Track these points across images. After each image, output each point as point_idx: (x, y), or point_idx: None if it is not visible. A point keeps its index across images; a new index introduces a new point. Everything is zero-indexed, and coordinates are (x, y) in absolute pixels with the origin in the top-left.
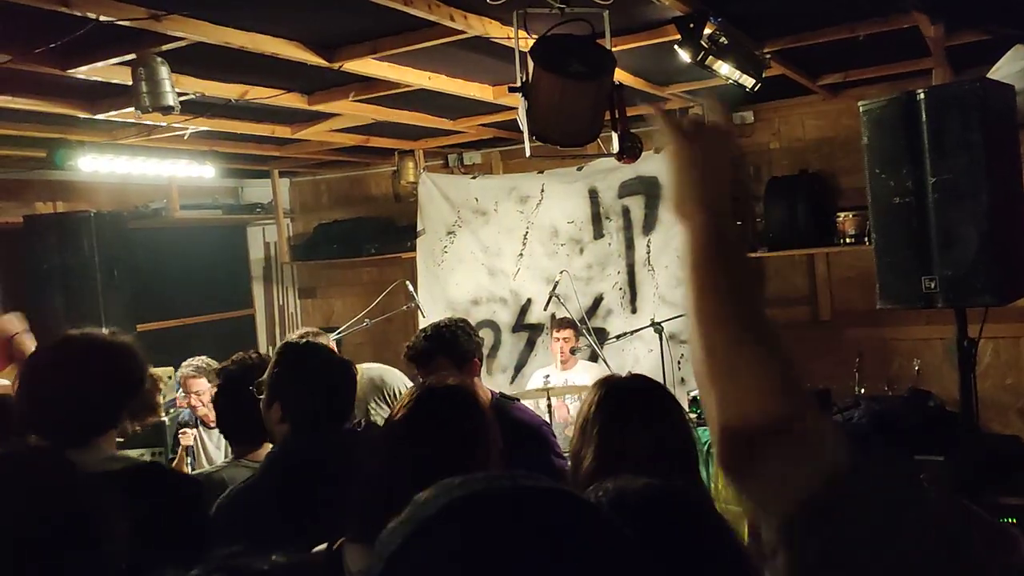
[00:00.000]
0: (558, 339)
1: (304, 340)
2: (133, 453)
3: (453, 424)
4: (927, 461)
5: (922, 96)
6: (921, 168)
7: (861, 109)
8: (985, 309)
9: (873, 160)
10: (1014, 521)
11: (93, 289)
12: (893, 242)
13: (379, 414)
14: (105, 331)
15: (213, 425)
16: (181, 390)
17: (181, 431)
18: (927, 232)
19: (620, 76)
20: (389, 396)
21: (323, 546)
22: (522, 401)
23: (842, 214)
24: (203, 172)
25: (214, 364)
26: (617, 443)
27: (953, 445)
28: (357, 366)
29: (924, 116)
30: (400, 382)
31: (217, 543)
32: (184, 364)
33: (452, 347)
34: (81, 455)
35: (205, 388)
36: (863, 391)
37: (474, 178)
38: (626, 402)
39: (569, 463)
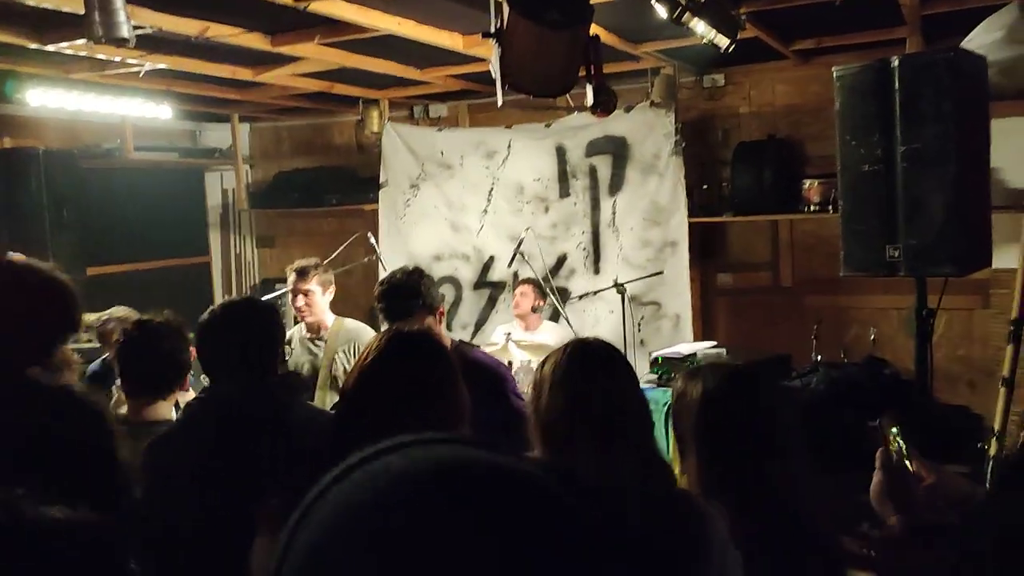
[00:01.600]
0: (517, 294)
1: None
2: None
3: (424, 367)
4: (879, 428)
5: (896, 64)
6: (891, 136)
7: (835, 75)
8: (945, 280)
9: (844, 127)
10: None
11: (41, 228)
12: (860, 210)
13: (342, 364)
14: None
15: None
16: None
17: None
18: (894, 200)
19: (593, 30)
20: (357, 352)
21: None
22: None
23: (808, 181)
24: (159, 113)
25: (135, 316)
26: (581, 398)
27: (906, 412)
28: (339, 318)
29: (897, 84)
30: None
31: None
32: (104, 314)
33: (424, 296)
34: None
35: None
36: (820, 357)
37: (440, 131)
38: (592, 361)
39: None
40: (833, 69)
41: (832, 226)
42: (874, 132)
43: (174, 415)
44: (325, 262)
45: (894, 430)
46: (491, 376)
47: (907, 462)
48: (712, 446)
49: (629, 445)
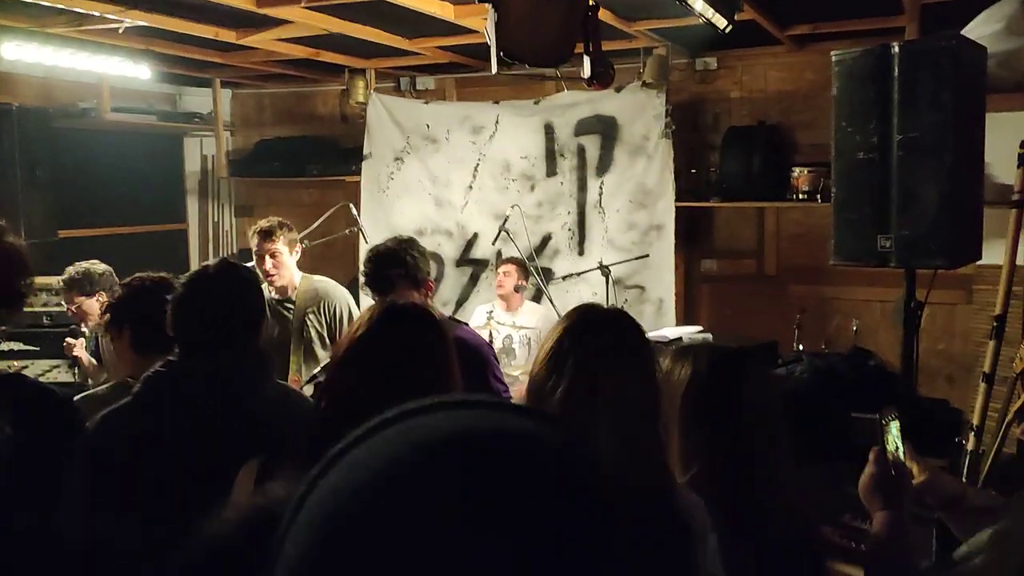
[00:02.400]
0: (499, 273)
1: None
2: (45, 365)
3: (415, 337)
4: (863, 418)
5: (896, 50)
6: (888, 124)
7: (833, 59)
8: (934, 272)
9: (840, 113)
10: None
11: (12, 188)
12: (853, 198)
13: (313, 326)
14: None
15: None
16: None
17: (66, 341)
18: (888, 190)
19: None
20: (327, 310)
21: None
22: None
23: (797, 169)
24: (138, 73)
25: (99, 268)
26: (590, 378)
27: (889, 403)
28: (305, 276)
29: (896, 71)
30: (343, 299)
31: (90, 466)
32: (65, 272)
33: (411, 268)
34: None
35: (83, 301)
36: (802, 347)
37: (427, 103)
38: (603, 335)
39: (514, 389)
40: (832, 53)
41: (819, 215)
42: (871, 119)
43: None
44: (303, 233)
45: (894, 426)
46: (474, 357)
47: (902, 458)
48: (698, 430)
49: (627, 435)
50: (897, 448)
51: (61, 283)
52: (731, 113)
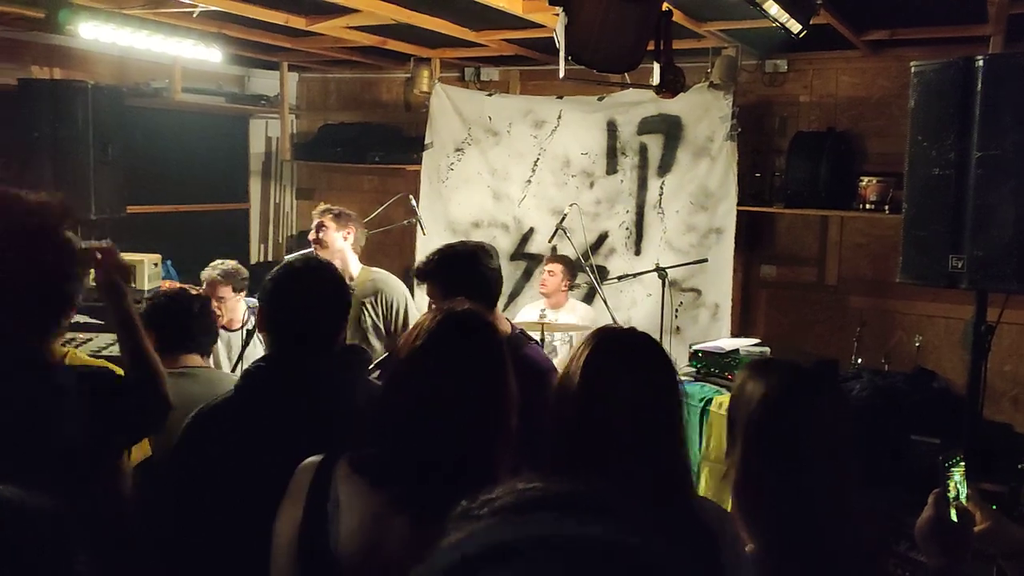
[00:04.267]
0: (544, 271)
1: (296, 259)
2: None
3: (475, 355)
4: (923, 442)
5: (980, 63)
6: (967, 140)
7: (912, 70)
8: (1007, 295)
9: (917, 126)
10: (994, 508)
11: (84, 164)
12: (925, 215)
13: (370, 315)
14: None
15: (235, 328)
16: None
17: None
18: (963, 208)
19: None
20: (384, 303)
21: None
22: None
23: (865, 179)
24: (209, 56)
25: (244, 271)
26: (601, 396)
27: (952, 429)
28: (365, 267)
29: (980, 85)
30: (400, 293)
31: (187, 457)
32: (211, 266)
33: (483, 287)
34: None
35: (229, 295)
36: (860, 361)
37: (490, 95)
38: (616, 358)
39: None
40: (912, 64)
41: (885, 227)
42: (949, 134)
43: None
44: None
45: (958, 469)
46: (538, 379)
47: (964, 503)
48: (760, 453)
49: (645, 459)
50: (959, 493)
51: (217, 275)
52: (799, 117)
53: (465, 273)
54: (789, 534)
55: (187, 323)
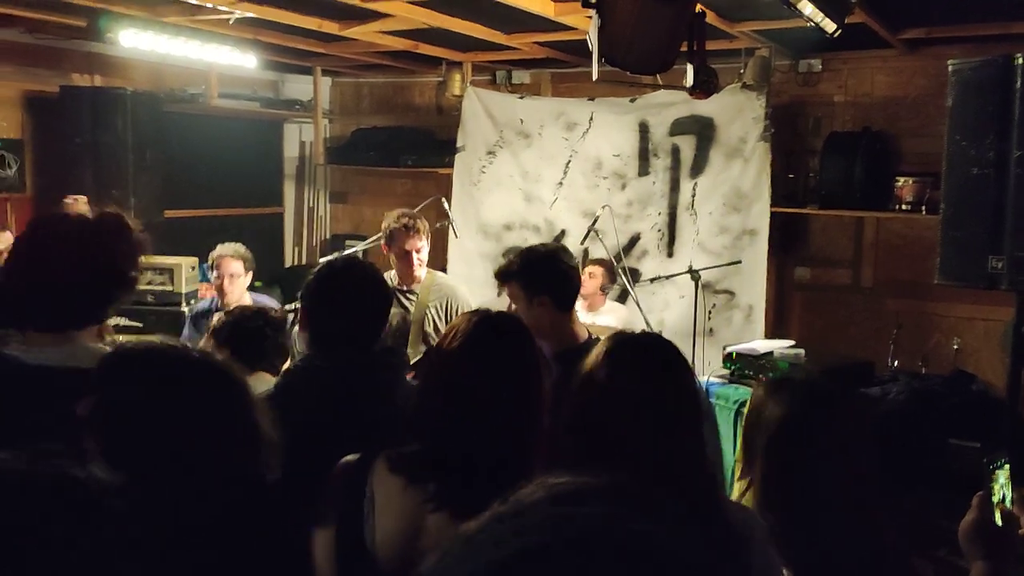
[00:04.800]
0: (585, 274)
1: (338, 259)
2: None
3: (509, 356)
4: (962, 446)
5: (1020, 61)
6: (1007, 139)
7: (950, 68)
8: None
9: (955, 126)
10: None
11: (124, 169)
12: (963, 215)
13: (433, 320)
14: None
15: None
16: (214, 272)
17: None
18: (1003, 208)
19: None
20: (450, 308)
21: (353, 456)
22: None
23: (901, 179)
24: (245, 62)
25: (249, 253)
26: (618, 399)
27: (991, 432)
28: (432, 272)
29: (1019, 83)
30: (465, 301)
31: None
32: (221, 246)
33: (559, 292)
34: (48, 347)
35: (240, 272)
36: (896, 363)
37: (522, 98)
38: (633, 361)
39: None
40: (949, 62)
41: (922, 227)
42: (988, 133)
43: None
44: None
45: (1003, 471)
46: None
47: (1009, 506)
48: (781, 471)
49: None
50: (1004, 496)
51: (228, 252)
52: (834, 117)
53: (547, 272)
54: (815, 548)
55: (261, 344)
